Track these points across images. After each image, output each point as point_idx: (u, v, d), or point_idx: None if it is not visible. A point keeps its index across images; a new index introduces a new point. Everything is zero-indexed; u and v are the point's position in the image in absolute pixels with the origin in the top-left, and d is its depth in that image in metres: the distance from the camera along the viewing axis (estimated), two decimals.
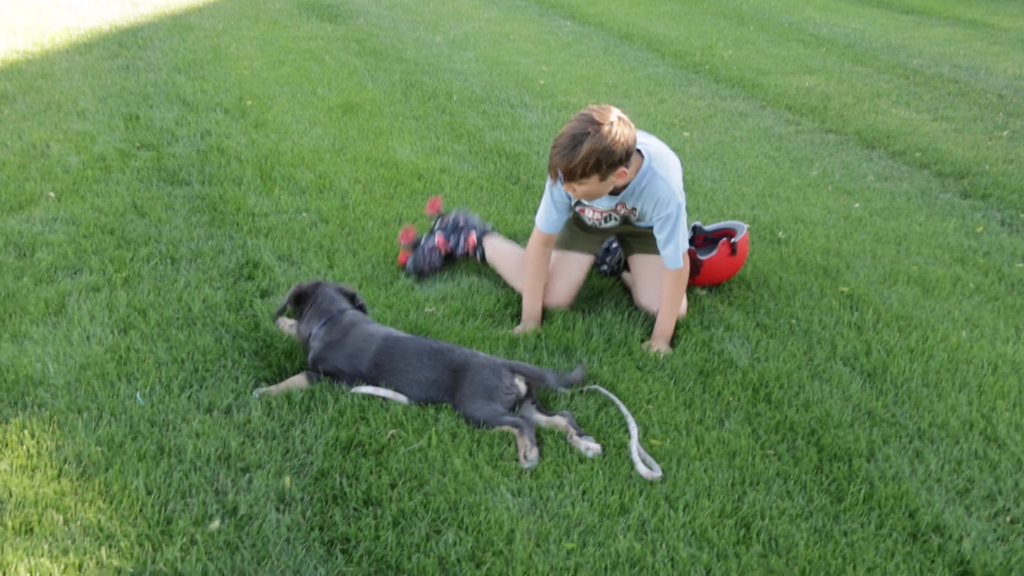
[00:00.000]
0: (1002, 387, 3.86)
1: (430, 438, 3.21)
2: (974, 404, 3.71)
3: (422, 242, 4.75)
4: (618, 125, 3.62)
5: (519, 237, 4.98)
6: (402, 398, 3.45)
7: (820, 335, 4.23)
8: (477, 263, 4.74)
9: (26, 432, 3.08)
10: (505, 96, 8.80)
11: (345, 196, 5.60)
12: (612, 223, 4.29)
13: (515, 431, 3.23)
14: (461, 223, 4.84)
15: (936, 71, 10.18)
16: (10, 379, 3.36)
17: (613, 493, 2.99)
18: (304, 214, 5.29)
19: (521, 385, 3.48)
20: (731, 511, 2.94)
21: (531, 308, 4.25)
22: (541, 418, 3.34)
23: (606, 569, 2.67)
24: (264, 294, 4.22)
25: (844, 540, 2.88)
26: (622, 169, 3.72)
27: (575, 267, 4.45)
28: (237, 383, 3.47)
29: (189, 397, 3.36)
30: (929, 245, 5.54)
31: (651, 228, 4.24)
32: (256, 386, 3.45)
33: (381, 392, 3.45)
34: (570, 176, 3.69)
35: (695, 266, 4.51)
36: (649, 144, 4.00)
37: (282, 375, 3.60)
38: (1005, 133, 8.65)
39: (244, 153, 6.35)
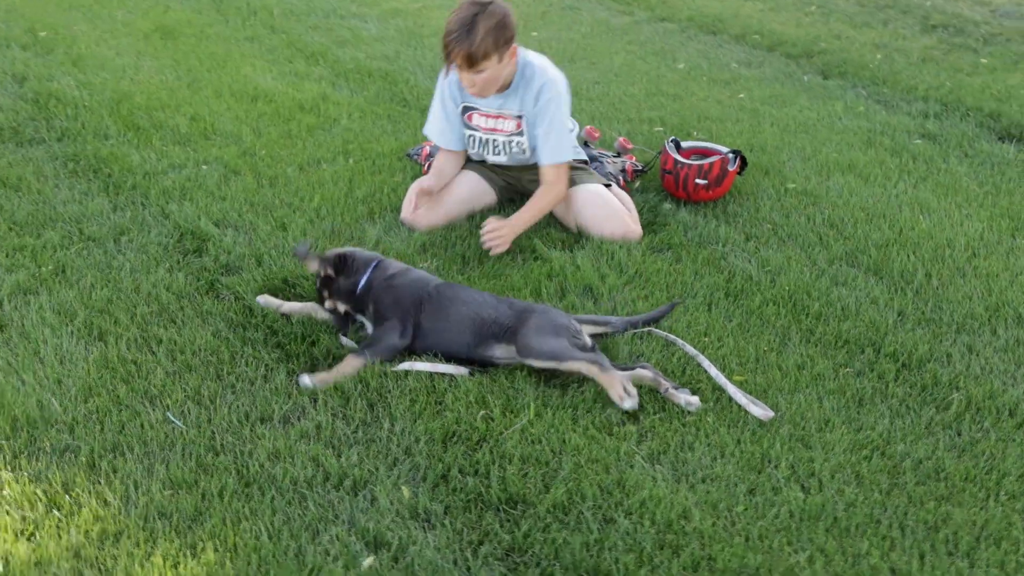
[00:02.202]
0: (990, 267, 3.98)
1: (528, 414, 2.89)
2: (981, 288, 3.80)
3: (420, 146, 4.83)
4: (499, 2, 3.68)
5: None
6: (463, 370, 3.11)
7: (806, 238, 4.21)
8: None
9: (77, 489, 2.51)
10: (329, 6, 8.16)
11: (238, 140, 5.00)
12: (506, 152, 4.12)
13: (595, 369, 2.97)
14: None
15: None
16: (8, 425, 2.74)
17: (745, 443, 2.82)
18: (205, 167, 4.67)
19: (586, 336, 3.22)
20: (864, 442, 2.86)
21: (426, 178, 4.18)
22: (619, 373, 3.10)
23: (792, 528, 2.52)
24: (228, 270, 3.69)
25: (977, 449, 2.86)
26: (514, 46, 3.78)
27: (465, 188, 4.28)
28: (272, 383, 3.00)
29: (230, 409, 2.87)
30: (831, 131, 5.65)
31: None
32: (298, 378, 2.99)
33: (440, 368, 3.10)
34: (472, 61, 3.68)
35: (724, 177, 4.44)
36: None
37: (312, 362, 3.15)
38: (814, 8, 8.96)
39: (85, 98, 5.53)
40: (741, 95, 6.31)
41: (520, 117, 4.04)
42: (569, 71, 4.58)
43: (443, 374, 3.09)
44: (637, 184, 4.67)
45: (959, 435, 2.95)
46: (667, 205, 4.48)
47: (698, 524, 2.52)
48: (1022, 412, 3.05)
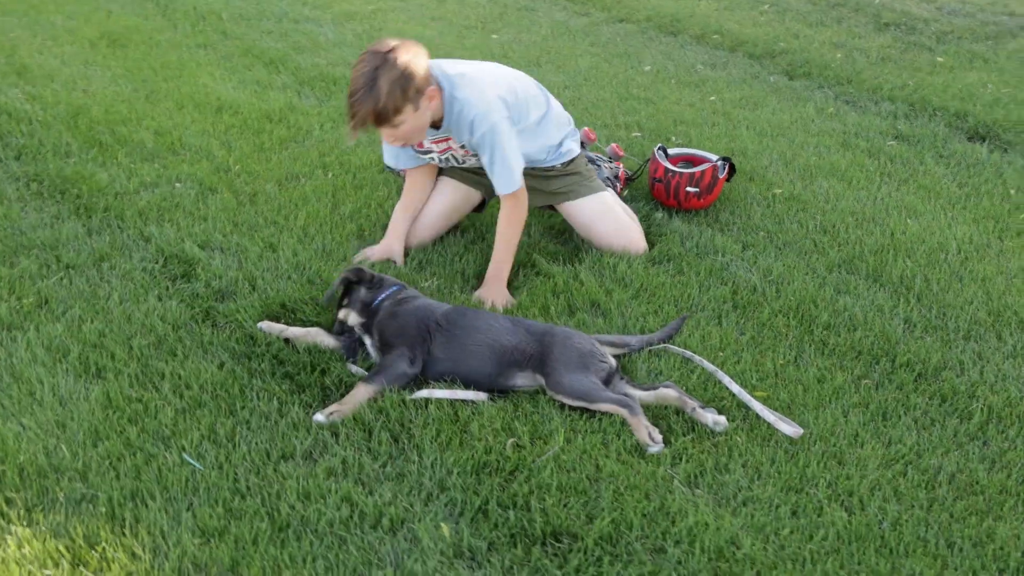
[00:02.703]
0: (985, 271, 4.00)
1: (558, 440, 2.81)
2: (980, 293, 3.82)
3: None
4: (401, 48, 3.40)
5: None
6: (482, 395, 3.02)
7: (801, 245, 4.19)
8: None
9: (103, 543, 2.36)
10: (279, 10, 7.97)
11: (209, 155, 4.83)
12: (470, 161, 3.93)
13: (624, 412, 2.91)
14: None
15: None
16: (14, 474, 2.57)
17: (781, 463, 2.78)
18: (179, 184, 4.49)
19: (611, 357, 3.15)
20: (896, 457, 2.84)
21: (394, 224, 3.97)
22: (642, 394, 3.04)
23: (843, 551, 2.49)
24: (222, 296, 3.54)
25: (1006, 460, 2.85)
26: (431, 90, 3.49)
27: (446, 197, 4.11)
28: (288, 417, 2.87)
29: (249, 447, 2.73)
30: (807, 133, 5.65)
31: (542, 168, 4.03)
32: (313, 418, 2.87)
33: (459, 394, 3.00)
34: (383, 118, 3.40)
35: (715, 185, 4.39)
36: (458, 67, 3.72)
37: (325, 392, 3.03)
38: (767, 7, 9.00)
39: (38, 113, 5.30)
40: (712, 98, 6.28)
41: (463, 145, 3.84)
42: (536, 75, 4.51)
43: (463, 400, 2.98)
44: (625, 192, 4.60)
45: (986, 445, 2.94)
46: (659, 214, 4.43)
47: (748, 550, 2.46)
48: None
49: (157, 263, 3.73)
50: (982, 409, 3.07)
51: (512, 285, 3.73)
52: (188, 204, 4.24)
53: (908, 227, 4.39)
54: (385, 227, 4.11)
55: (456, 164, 3.97)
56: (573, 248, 4.07)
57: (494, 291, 3.66)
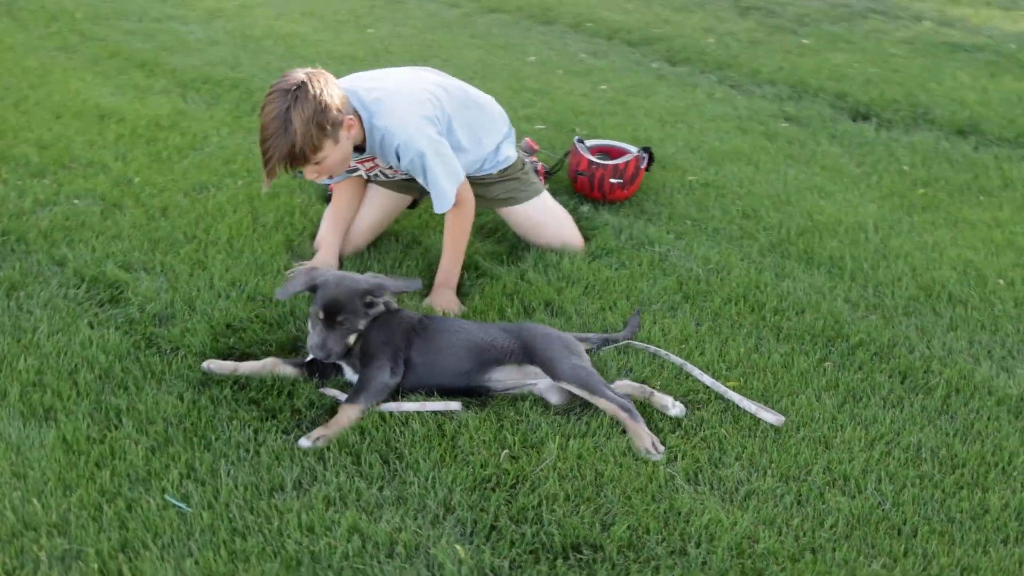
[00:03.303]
0: (904, 247, 4.17)
1: (552, 448, 2.76)
2: (907, 270, 3.97)
3: None
4: (310, 80, 3.18)
5: None
6: (455, 405, 2.94)
7: (727, 230, 4.27)
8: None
9: None
10: (138, 8, 7.58)
11: (104, 168, 4.54)
12: (399, 176, 3.80)
13: (624, 417, 2.89)
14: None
15: None
16: None
17: (771, 452, 2.81)
18: (77, 201, 4.20)
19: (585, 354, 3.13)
20: (877, 438, 2.91)
21: (325, 237, 3.80)
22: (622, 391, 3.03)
23: (855, 535, 2.52)
24: (160, 320, 3.33)
25: (974, 432, 2.97)
26: (348, 119, 3.30)
27: (378, 205, 3.99)
28: (268, 446, 2.72)
29: (235, 482, 2.57)
30: (703, 119, 5.77)
31: (479, 177, 3.95)
32: (298, 443, 2.73)
33: (429, 406, 2.91)
34: (302, 158, 3.19)
35: (637, 175, 4.40)
36: (373, 90, 3.49)
37: (297, 416, 2.89)
38: None
39: None
40: (603, 86, 6.32)
41: (391, 167, 3.67)
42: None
43: (440, 412, 2.89)
44: (547, 187, 4.56)
45: (954, 419, 3.04)
46: (584, 207, 4.42)
47: (767, 545, 2.46)
48: (998, 390, 3.18)
49: (78, 288, 3.47)
50: (941, 384, 3.17)
51: (459, 290, 3.64)
52: (95, 222, 3.95)
53: (823, 208, 4.52)
54: (313, 235, 3.95)
55: (385, 179, 3.83)
56: (510, 246, 4.01)
57: (444, 298, 3.57)
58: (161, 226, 3.96)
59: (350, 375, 3.05)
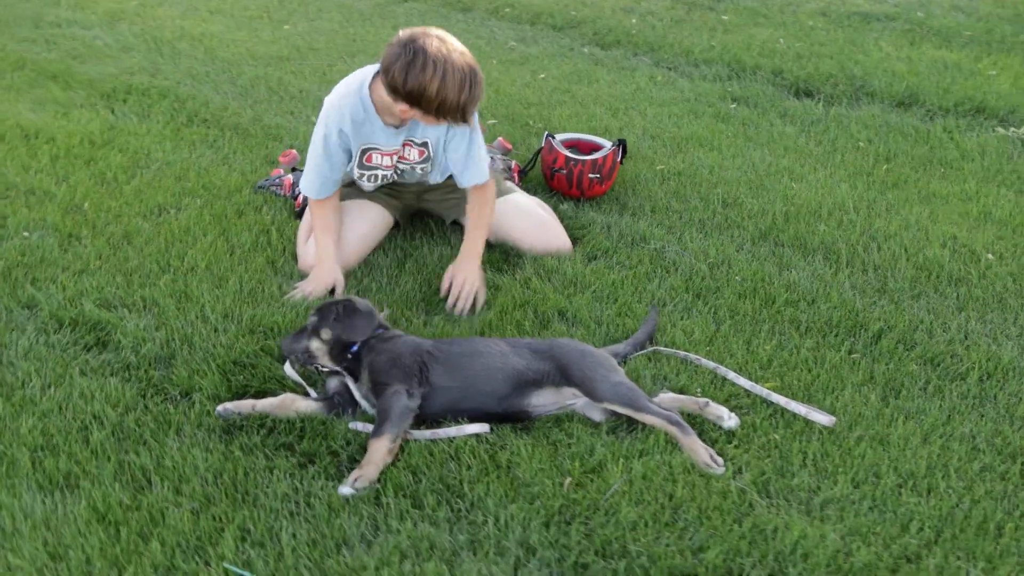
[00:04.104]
0: (889, 227, 4.19)
1: (615, 472, 2.64)
2: (899, 251, 3.98)
3: (281, 173, 4.29)
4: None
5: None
6: (483, 427, 2.80)
7: (713, 221, 4.22)
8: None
9: None
10: (32, 12, 7.10)
11: (47, 194, 4.20)
12: (409, 177, 3.80)
13: (675, 431, 2.79)
14: None
15: None
16: None
17: (833, 456, 2.75)
18: (27, 233, 3.87)
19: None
20: (930, 431, 2.88)
21: (324, 250, 3.62)
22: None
23: (948, 539, 2.48)
24: (160, 362, 3.08)
25: (1019, 417, 2.97)
26: None
27: (368, 219, 3.83)
28: (314, 496, 2.53)
29: (297, 542, 2.38)
30: (653, 103, 5.71)
31: (444, 183, 3.88)
32: (338, 491, 2.55)
33: (467, 430, 2.77)
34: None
35: (614, 169, 4.31)
36: None
37: (335, 457, 2.70)
38: None
39: None
40: (542, 75, 6.19)
41: (425, 145, 3.63)
42: (353, 67, 4.23)
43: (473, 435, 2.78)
44: (520, 186, 4.43)
45: (996, 404, 3.03)
46: (564, 206, 4.29)
47: (862, 557, 2.40)
48: None
49: (58, 333, 3.17)
50: (974, 369, 3.17)
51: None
52: (55, 256, 3.64)
53: (798, 191, 4.50)
54: (294, 255, 3.72)
55: (395, 178, 3.71)
56: (503, 252, 3.85)
57: (469, 268, 3.51)
58: (129, 256, 3.67)
59: (367, 405, 2.87)
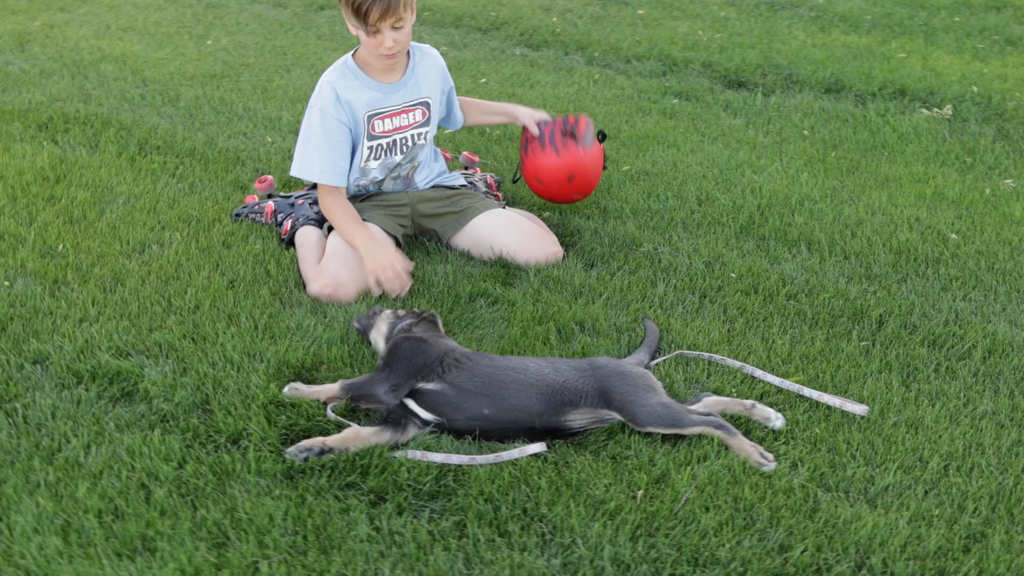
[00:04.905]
0: (858, 215, 4.39)
1: (684, 479, 2.72)
2: (874, 237, 4.16)
3: (255, 201, 4.23)
4: None
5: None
6: (541, 446, 2.86)
7: (691, 219, 4.34)
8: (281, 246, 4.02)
9: None
10: None
11: (18, 239, 4.02)
12: (403, 151, 3.90)
13: (721, 434, 2.89)
14: (299, 203, 4.12)
15: None
16: None
17: (878, 445, 2.89)
18: (7, 283, 3.73)
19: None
20: (956, 414, 3.04)
21: (361, 226, 3.76)
22: (694, 408, 3.04)
23: (992, 522, 2.62)
24: (196, 409, 3.01)
25: None
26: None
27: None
28: (399, 534, 2.54)
29: None
30: (598, 103, 5.81)
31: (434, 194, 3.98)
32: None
33: (528, 450, 2.82)
34: (394, 10, 3.41)
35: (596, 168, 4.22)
36: None
37: (406, 492, 2.71)
38: None
39: None
40: (483, 80, 6.22)
41: (425, 103, 3.81)
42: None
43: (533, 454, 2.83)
44: (503, 204, 4.46)
45: (1005, 380, 3.22)
46: (546, 213, 4.34)
47: (935, 542, 2.53)
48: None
49: (79, 387, 3.06)
50: (978, 347, 3.35)
51: (473, 322, 3.52)
52: (46, 306, 3.50)
53: (762, 184, 4.66)
54: (297, 284, 3.70)
55: (395, 154, 3.83)
56: (501, 266, 3.88)
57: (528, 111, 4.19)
58: (126, 299, 3.56)
59: (425, 415, 2.89)
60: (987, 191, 4.67)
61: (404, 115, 3.77)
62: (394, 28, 3.44)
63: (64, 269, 3.73)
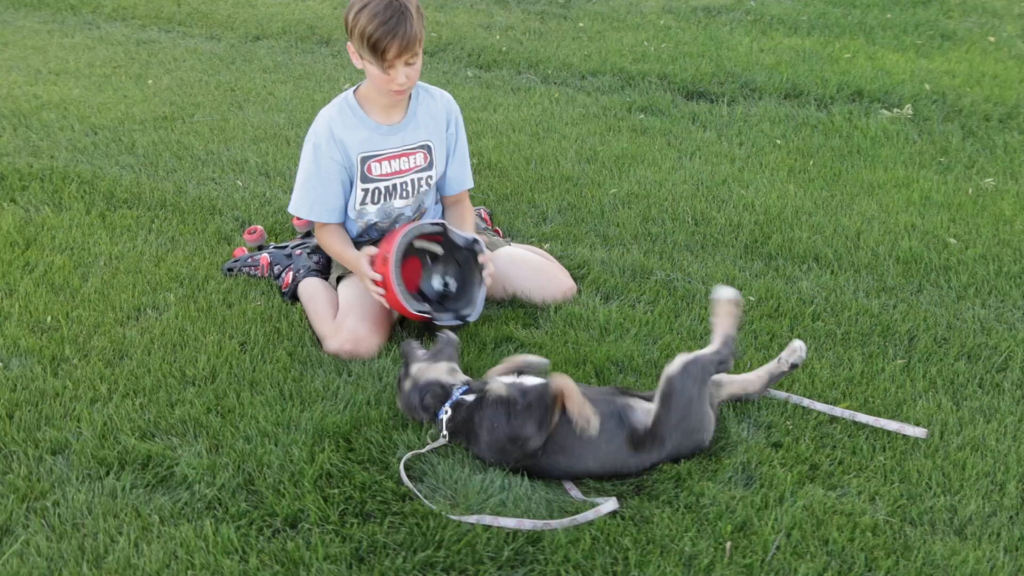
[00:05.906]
0: (855, 226, 4.41)
1: (768, 527, 2.66)
2: (877, 247, 4.18)
3: (246, 254, 4.07)
4: None
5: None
6: (613, 503, 2.78)
7: (693, 241, 4.31)
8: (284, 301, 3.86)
9: None
10: None
11: (1, 314, 3.78)
12: (412, 194, 3.75)
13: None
14: (297, 253, 3.95)
15: None
16: None
17: (948, 470, 2.87)
18: (1, 363, 3.49)
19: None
20: (1012, 428, 3.05)
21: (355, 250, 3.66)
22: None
23: None
24: (242, 493, 2.84)
25: None
26: None
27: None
28: None
29: None
30: (565, 123, 5.75)
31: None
32: None
33: (602, 511, 2.74)
34: (412, 45, 3.29)
35: None
36: None
37: (476, 559, 2.60)
38: None
39: None
40: None
41: (426, 147, 3.65)
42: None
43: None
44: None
45: None
46: (547, 245, 4.26)
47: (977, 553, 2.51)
48: None
49: (109, 478, 2.87)
50: (1010, 358, 3.37)
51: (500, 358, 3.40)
52: (51, 387, 3.29)
53: (753, 200, 4.65)
54: (312, 341, 3.54)
55: (395, 199, 3.68)
56: (518, 306, 3.78)
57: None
58: (135, 373, 3.35)
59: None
60: (970, 191, 4.73)
61: (404, 158, 3.63)
62: (407, 64, 3.32)
63: (60, 344, 3.50)
